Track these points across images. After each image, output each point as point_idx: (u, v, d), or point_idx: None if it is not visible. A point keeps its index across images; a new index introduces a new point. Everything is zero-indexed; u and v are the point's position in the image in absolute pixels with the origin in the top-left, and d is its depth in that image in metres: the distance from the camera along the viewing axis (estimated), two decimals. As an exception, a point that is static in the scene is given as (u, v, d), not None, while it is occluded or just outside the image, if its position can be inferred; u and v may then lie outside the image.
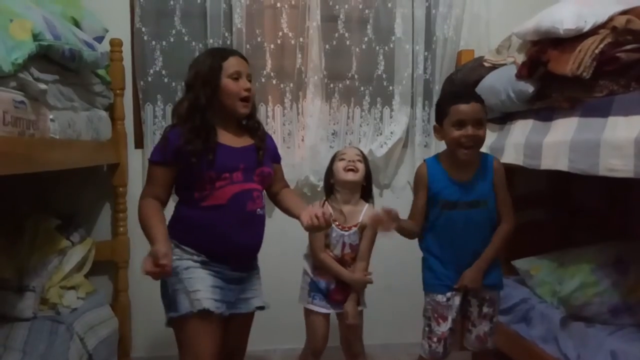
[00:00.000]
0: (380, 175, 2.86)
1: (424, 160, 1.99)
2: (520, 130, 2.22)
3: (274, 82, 2.79)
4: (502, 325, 2.27)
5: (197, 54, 2.52)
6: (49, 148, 1.69)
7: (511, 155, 2.22)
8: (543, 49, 2.01)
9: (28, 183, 2.37)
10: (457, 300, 1.91)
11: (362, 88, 2.85)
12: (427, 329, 1.94)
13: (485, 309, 1.94)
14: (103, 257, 2.58)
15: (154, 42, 2.68)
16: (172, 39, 2.70)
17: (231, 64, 1.74)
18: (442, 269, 1.91)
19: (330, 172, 2.16)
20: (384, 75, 2.86)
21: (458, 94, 1.96)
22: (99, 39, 2.30)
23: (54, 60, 1.76)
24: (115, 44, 2.54)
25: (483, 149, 1.94)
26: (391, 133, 2.84)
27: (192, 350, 1.67)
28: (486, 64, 2.49)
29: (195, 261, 1.70)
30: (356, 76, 2.85)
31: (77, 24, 2.17)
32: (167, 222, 1.78)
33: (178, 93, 2.64)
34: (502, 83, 2.25)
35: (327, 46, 2.80)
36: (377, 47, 2.85)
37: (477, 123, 1.81)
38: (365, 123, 2.87)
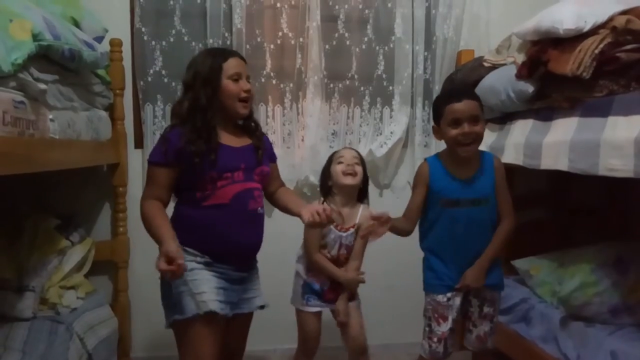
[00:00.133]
0: (380, 176, 2.86)
1: (425, 159, 1.99)
2: (520, 130, 2.22)
3: (274, 82, 2.79)
4: (502, 325, 2.27)
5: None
6: (49, 148, 1.69)
7: (511, 155, 2.22)
8: (543, 49, 2.01)
9: (28, 183, 2.37)
10: (457, 300, 1.90)
11: (362, 88, 2.85)
12: (427, 328, 1.94)
13: (485, 309, 1.94)
14: (103, 257, 2.58)
15: (153, 42, 2.68)
16: (172, 39, 2.70)
17: (231, 65, 1.75)
18: (444, 268, 1.91)
19: (327, 174, 2.16)
20: (383, 75, 2.86)
21: (451, 94, 1.98)
22: (99, 39, 2.30)
23: (54, 61, 1.75)
24: (115, 44, 2.53)
25: (483, 149, 1.94)
26: (391, 133, 2.84)
27: (194, 352, 1.67)
28: (486, 64, 2.49)
29: (199, 262, 1.70)
30: (356, 76, 2.85)
31: (76, 24, 2.17)
32: None
33: (178, 93, 2.62)
34: (502, 83, 2.25)
35: (327, 46, 2.80)
36: (377, 47, 2.85)
37: (473, 120, 1.82)
38: (365, 123, 2.87)
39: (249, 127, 1.87)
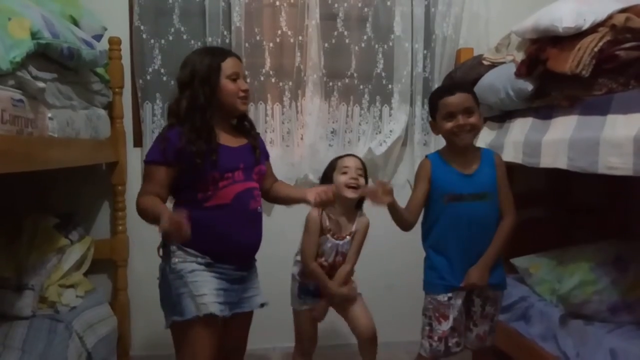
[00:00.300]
0: (379, 174, 2.86)
1: (426, 156, 1.99)
2: (520, 128, 2.22)
3: (273, 80, 2.79)
4: (501, 323, 2.27)
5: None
6: (48, 146, 1.69)
7: (510, 153, 2.22)
8: (542, 47, 2.00)
9: (27, 182, 2.36)
10: (459, 299, 1.89)
11: (361, 86, 2.85)
12: (427, 328, 1.92)
13: (487, 308, 1.93)
14: (102, 256, 2.58)
15: (152, 41, 2.68)
16: (171, 38, 2.70)
17: (229, 65, 1.75)
18: (447, 267, 1.89)
19: (329, 180, 2.12)
20: (383, 74, 2.86)
21: (444, 88, 2.01)
22: (98, 38, 2.30)
23: (53, 59, 1.75)
24: (114, 42, 2.53)
25: (483, 147, 1.94)
26: (390, 131, 2.84)
27: (192, 353, 1.66)
28: (485, 62, 2.49)
29: (200, 263, 1.69)
30: (355, 74, 2.85)
31: (75, 22, 2.16)
32: None
33: (177, 92, 2.64)
34: (501, 81, 2.24)
35: (326, 44, 2.80)
36: (377, 46, 2.85)
37: (467, 112, 1.83)
38: (365, 121, 2.87)
39: (244, 126, 1.87)
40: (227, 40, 2.70)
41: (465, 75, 2.54)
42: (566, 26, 1.87)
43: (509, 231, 1.91)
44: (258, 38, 2.76)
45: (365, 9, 2.83)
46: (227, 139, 1.77)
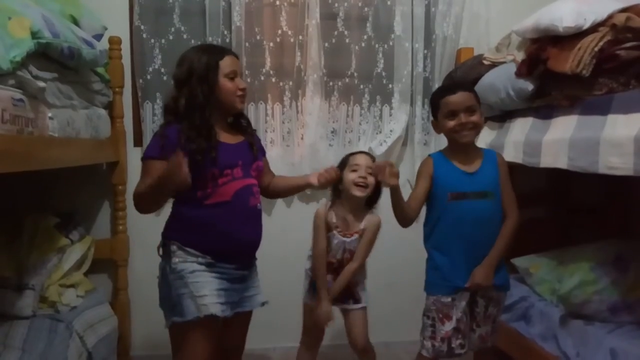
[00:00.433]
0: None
1: (429, 155, 1.98)
2: (520, 128, 2.22)
3: (273, 80, 2.79)
4: (502, 323, 2.26)
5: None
6: (48, 146, 1.69)
7: (511, 153, 2.21)
8: (542, 47, 2.00)
9: (27, 181, 2.37)
10: (463, 300, 1.88)
11: (361, 86, 2.85)
12: (430, 329, 1.90)
13: (490, 309, 1.93)
14: (102, 255, 2.58)
15: (153, 40, 2.68)
16: (171, 37, 2.70)
17: (227, 64, 1.75)
18: (450, 267, 1.87)
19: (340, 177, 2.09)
20: (383, 73, 2.86)
21: (446, 87, 2.03)
22: (98, 37, 2.30)
23: (53, 58, 1.75)
24: (114, 42, 2.53)
25: (483, 147, 1.94)
26: (391, 131, 2.84)
27: (192, 354, 1.66)
28: (485, 62, 2.48)
29: (201, 263, 1.68)
30: (356, 74, 2.85)
31: (75, 22, 2.16)
32: (164, 224, 1.77)
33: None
34: (501, 81, 2.24)
35: (326, 44, 2.79)
36: (377, 45, 2.85)
37: (468, 110, 1.84)
38: (365, 121, 2.87)
39: (240, 124, 1.87)
40: (228, 40, 2.70)
41: (466, 75, 2.54)
42: (566, 26, 1.87)
43: (512, 231, 1.91)
44: (258, 38, 2.76)
45: (366, 9, 2.83)
46: (225, 136, 1.77)
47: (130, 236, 2.66)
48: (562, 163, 1.87)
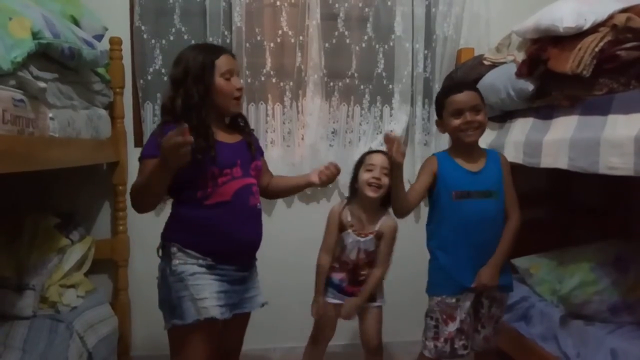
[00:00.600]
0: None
1: (433, 154, 1.98)
2: (520, 128, 2.22)
3: (274, 80, 2.79)
4: (502, 324, 2.26)
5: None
6: (49, 146, 1.69)
7: (511, 153, 2.21)
8: (543, 47, 2.00)
9: (28, 181, 2.37)
10: (468, 300, 1.87)
11: (362, 86, 2.85)
12: (434, 330, 1.90)
13: (493, 310, 1.93)
14: (103, 256, 2.58)
15: (153, 41, 2.69)
16: (171, 38, 2.70)
17: (223, 63, 1.73)
18: (455, 267, 1.87)
19: (356, 175, 2.09)
20: (383, 74, 2.86)
21: (452, 86, 2.03)
22: (99, 37, 2.30)
23: (54, 59, 1.75)
24: (115, 42, 2.53)
25: (484, 147, 1.94)
26: (391, 131, 2.83)
27: (191, 356, 1.65)
28: (486, 62, 2.48)
29: (201, 266, 1.67)
30: (356, 74, 2.85)
31: (76, 22, 2.17)
32: (164, 225, 1.76)
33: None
34: (502, 81, 2.24)
35: (326, 44, 2.80)
36: (377, 46, 2.85)
37: (474, 109, 1.84)
38: (365, 121, 2.87)
39: (237, 123, 1.86)
40: (228, 40, 2.70)
41: (466, 75, 2.54)
42: (567, 26, 1.87)
43: (515, 231, 1.91)
44: (259, 38, 2.76)
45: (366, 9, 2.83)
46: (222, 136, 1.76)
47: (130, 236, 2.67)
48: (562, 163, 1.87)
